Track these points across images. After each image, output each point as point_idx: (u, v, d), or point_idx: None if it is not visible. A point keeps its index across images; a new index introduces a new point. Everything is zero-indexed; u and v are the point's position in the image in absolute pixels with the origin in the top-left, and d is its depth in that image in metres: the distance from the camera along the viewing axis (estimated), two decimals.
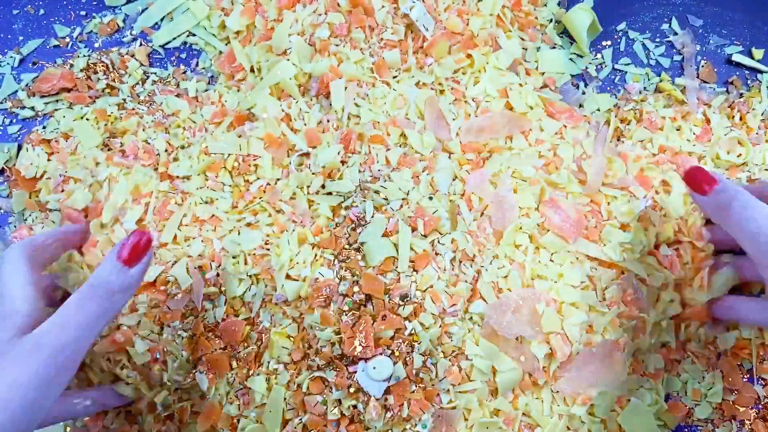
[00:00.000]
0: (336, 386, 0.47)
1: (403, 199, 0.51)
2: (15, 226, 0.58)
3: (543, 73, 0.61)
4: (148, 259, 0.38)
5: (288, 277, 0.51)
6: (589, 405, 0.50)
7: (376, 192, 0.51)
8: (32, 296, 0.39)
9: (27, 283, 0.39)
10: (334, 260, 0.51)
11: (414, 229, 0.50)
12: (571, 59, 0.62)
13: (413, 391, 0.48)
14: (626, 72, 0.62)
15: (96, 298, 0.36)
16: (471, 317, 0.50)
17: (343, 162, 0.53)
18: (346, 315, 0.48)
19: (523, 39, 0.61)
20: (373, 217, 0.51)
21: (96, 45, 0.63)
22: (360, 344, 0.47)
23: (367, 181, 0.52)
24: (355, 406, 0.47)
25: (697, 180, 0.42)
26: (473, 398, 0.49)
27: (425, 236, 0.51)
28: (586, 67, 0.62)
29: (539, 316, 0.49)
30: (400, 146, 0.54)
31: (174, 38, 0.63)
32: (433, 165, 0.53)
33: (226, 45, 0.61)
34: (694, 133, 0.58)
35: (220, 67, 0.60)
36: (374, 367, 0.47)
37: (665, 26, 0.63)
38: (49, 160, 0.58)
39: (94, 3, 0.64)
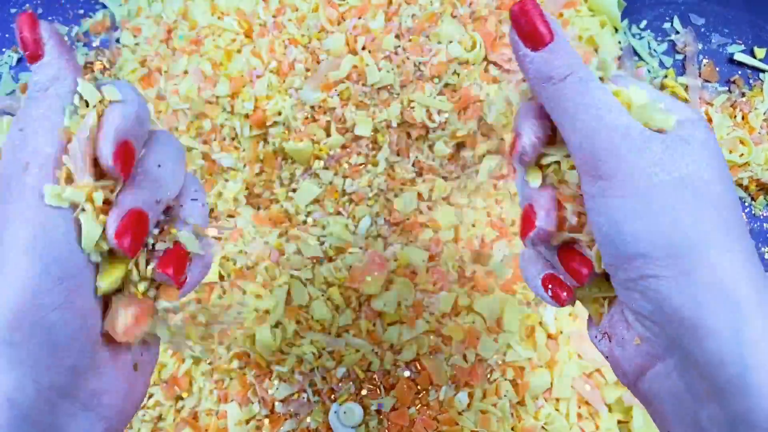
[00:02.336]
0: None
1: None
2: None
3: None
4: (52, 37, 0.27)
5: None
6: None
7: None
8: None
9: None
10: None
11: None
12: None
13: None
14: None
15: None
16: None
17: None
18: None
19: None
20: None
21: (94, 44, 0.63)
22: None
23: None
24: None
25: (530, 25, 0.26)
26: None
27: None
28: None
29: None
30: None
31: None
32: None
33: None
34: None
35: None
36: (344, 412, 0.48)
37: (667, 25, 0.63)
38: None
39: (92, 2, 0.64)
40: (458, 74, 0.49)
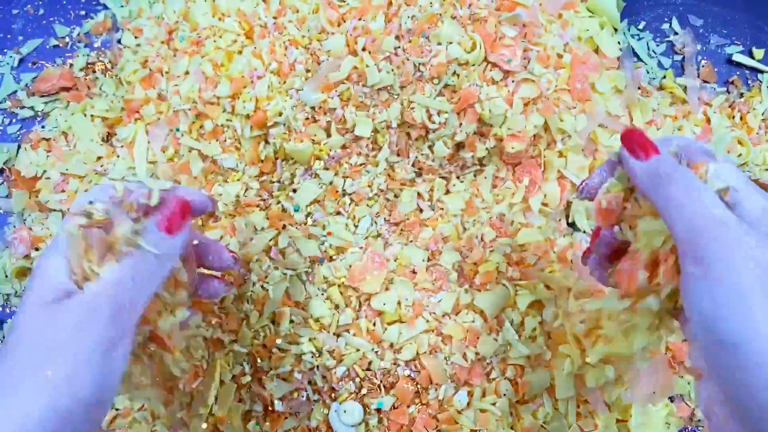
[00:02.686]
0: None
1: None
2: (14, 227, 0.58)
3: None
4: (188, 227, 0.35)
5: None
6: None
7: None
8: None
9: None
10: None
11: None
12: None
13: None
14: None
15: (146, 262, 0.33)
16: None
17: None
18: None
19: None
20: None
21: (96, 45, 0.63)
22: None
23: None
24: None
25: (637, 142, 0.34)
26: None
27: None
28: None
29: None
30: None
31: None
32: None
33: None
34: (695, 133, 0.58)
35: None
36: (344, 411, 0.48)
37: (665, 26, 0.63)
38: (47, 157, 0.58)
39: (93, 3, 0.64)
40: (458, 75, 0.49)
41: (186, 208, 0.35)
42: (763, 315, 0.27)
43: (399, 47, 0.49)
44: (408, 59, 0.49)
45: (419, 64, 0.49)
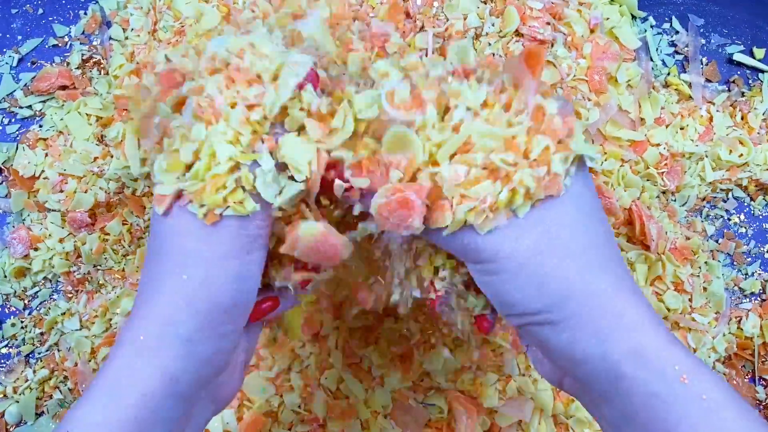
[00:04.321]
0: None
1: None
2: (13, 226, 0.58)
3: None
4: None
5: None
6: None
7: None
8: None
9: None
10: None
11: None
12: None
13: None
14: None
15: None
16: None
17: None
18: None
19: None
20: None
21: (95, 42, 0.63)
22: None
23: None
24: None
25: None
26: None
27: None
28: None
29: None
30: None
31: None
32: None
33: None
34: (697, 132, 0.58)
35: None
36: None
37: (666, 25, 0.63)
38: (45, 156, 0.58)
39: (93, 2, 0.64)
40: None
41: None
42: (538, 285, 0.30)
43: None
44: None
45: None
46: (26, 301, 0.58)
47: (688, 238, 0.57)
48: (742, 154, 0.57)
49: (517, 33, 0.50)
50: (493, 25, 0.51)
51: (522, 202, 0.29)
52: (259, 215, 0.30)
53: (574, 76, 0.52)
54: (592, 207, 0.31)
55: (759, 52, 0.61)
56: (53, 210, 0.57)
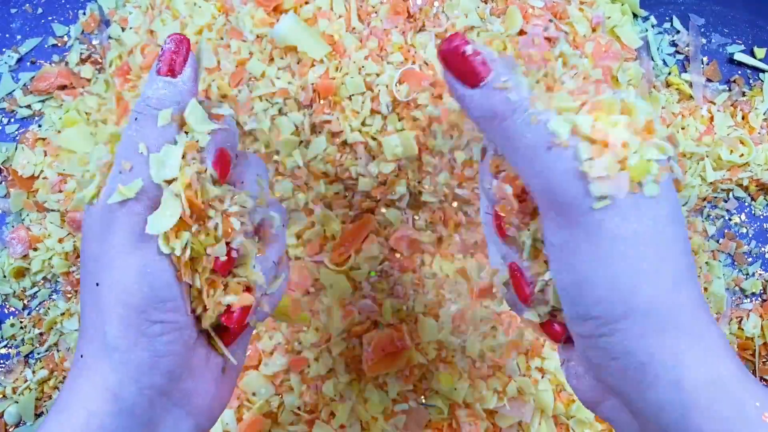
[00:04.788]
0: None
1: None
2: (12, 226, 0.58)
3: None
4: (193, 62, 0.30)
5: None
6: None
7: None
8: None
9: None
10: None
11: None
12: None
13: None
14: None
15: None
16: None
17: None
18: None
19: None
20: None
21: (94, 42, 0.63)
22: None
23: None
24: None
25: (462, 63, 0.26)
26: None
27: None
28: None
29: None
30: None
31: None
32: None
33: None
34: (698, 132, 0.58)
35: None
36: None
37: (667, 25, 0.63)
38: (45, 156, 0.57)
39: (92, 1, 0.64)
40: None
41: (182, 39, 0.30)
42: (631, 281, 0.25)
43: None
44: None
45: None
46: (25, 302, 0.58)
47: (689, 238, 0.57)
48: (742, 154, 0.57)
49: (521, 32, 0.50)
50: (494, 24, 0.51)
51: (653, 178, 0.25)
52: (147, 192, 0.28)
53: (576, 74, 0.52)
54: (681, 213, 0.27)
55: (760, 52, 0.61)
56: (52, 210, 0.57)
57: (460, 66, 0.26)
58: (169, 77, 0.29)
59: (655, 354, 0.25)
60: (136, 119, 0.28)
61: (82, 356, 0.28)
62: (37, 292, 0.57)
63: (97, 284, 0.28)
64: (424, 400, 0.51)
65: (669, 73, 0.61)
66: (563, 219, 0.26)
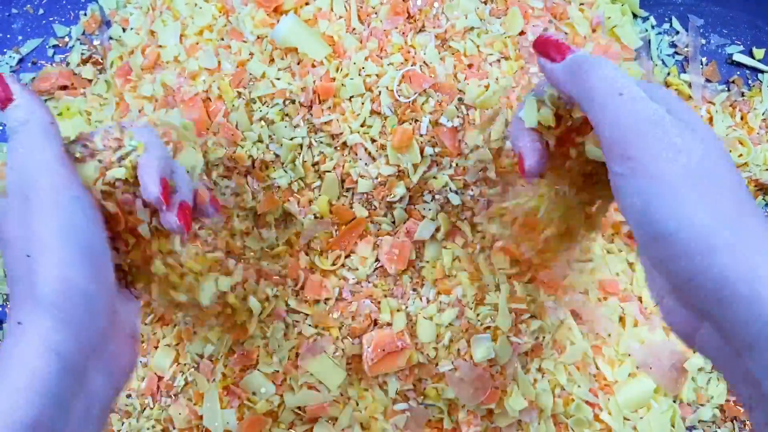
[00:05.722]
0: None
1: None
2: None
3: None
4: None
5: None
6: None
7: None
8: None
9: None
10: None
11: None
12: None
13: None
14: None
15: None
16: None
17: None
18: None
19: None
20: None
21: (95, 42, 0.63)
22: None
23: None
24: None
25: (551, 45, 0.33)
26: None
27: None
28: None
29: None
30: None
31: None
32: None
33: None
34: None
35: None
36: None
37: (666, 25, 0.63)
38: None
39: (93, 2, 0.64)
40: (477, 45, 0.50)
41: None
42: (691, 205, 0.27)
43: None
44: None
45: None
46: None
47: None
48: (741, 155, 0.57)
49: (521, 33, 0.50)
50: (494, 25, 0.51)
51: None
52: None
53: None
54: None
55: (759, 53, 0.61)
56: None
57: (549, 46, 0.33)
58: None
59: (728, 271, 0.26)
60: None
61: (20, 323, 0.29)
62: None
63: (28, 255, 0.30)
64: (423, 400, 0.51)
65: (668, 74, 0.61)
66: (633, 152, 0.29)
